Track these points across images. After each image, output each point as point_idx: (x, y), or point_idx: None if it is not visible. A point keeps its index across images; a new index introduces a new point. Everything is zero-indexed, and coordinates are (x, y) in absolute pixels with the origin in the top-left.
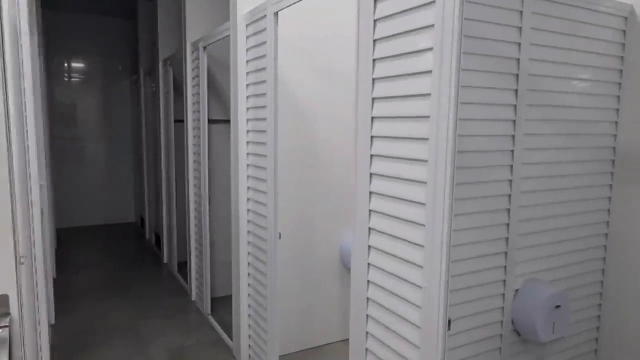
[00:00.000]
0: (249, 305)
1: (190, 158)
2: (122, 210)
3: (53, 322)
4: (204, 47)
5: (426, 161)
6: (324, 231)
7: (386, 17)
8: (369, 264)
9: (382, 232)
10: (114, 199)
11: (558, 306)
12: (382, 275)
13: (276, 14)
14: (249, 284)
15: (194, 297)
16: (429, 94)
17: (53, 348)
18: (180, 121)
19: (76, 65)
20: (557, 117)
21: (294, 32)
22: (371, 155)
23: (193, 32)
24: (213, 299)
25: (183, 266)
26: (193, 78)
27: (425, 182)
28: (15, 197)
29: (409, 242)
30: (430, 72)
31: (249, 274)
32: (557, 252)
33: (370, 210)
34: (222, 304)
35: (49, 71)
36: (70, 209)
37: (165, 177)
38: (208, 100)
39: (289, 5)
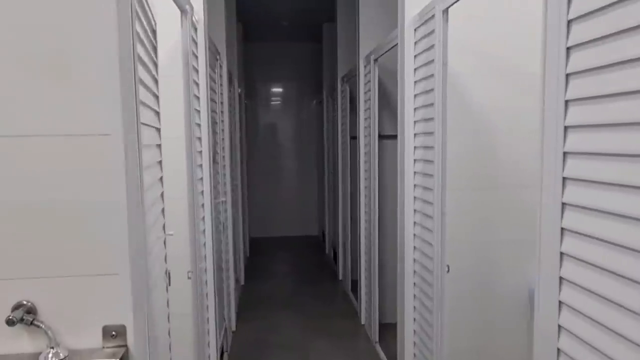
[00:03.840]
0: (414, 344)
1: (362, 176)
2: (307, 223)
3: (234, 328)
4: (375, 60)
5: None
6: (506, 265)
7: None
8: (559, 326)
9: (580, 287)
10: (300, 213)
11: None
12: (579, 345)
13: (445, 11)
14: (414, 319)
15: (363, 320)
16: None
17: (231, 356)
18: (355, 137)
19: (275, 90)
20: None
21: (468, 31)
22: (564, 179)
23: (366, 46)
24: (382, 325)
25: (356, 285)
26: (365, 93)
27: None
28: (148, 219)
29: (623, 307)
30: None
31: (414, 307)
32: None
33: (561, 254)
34: (392, 332)
35: (251, 96)
36: (265, 221)
37: (341, 194)
38: (379, 115)
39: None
